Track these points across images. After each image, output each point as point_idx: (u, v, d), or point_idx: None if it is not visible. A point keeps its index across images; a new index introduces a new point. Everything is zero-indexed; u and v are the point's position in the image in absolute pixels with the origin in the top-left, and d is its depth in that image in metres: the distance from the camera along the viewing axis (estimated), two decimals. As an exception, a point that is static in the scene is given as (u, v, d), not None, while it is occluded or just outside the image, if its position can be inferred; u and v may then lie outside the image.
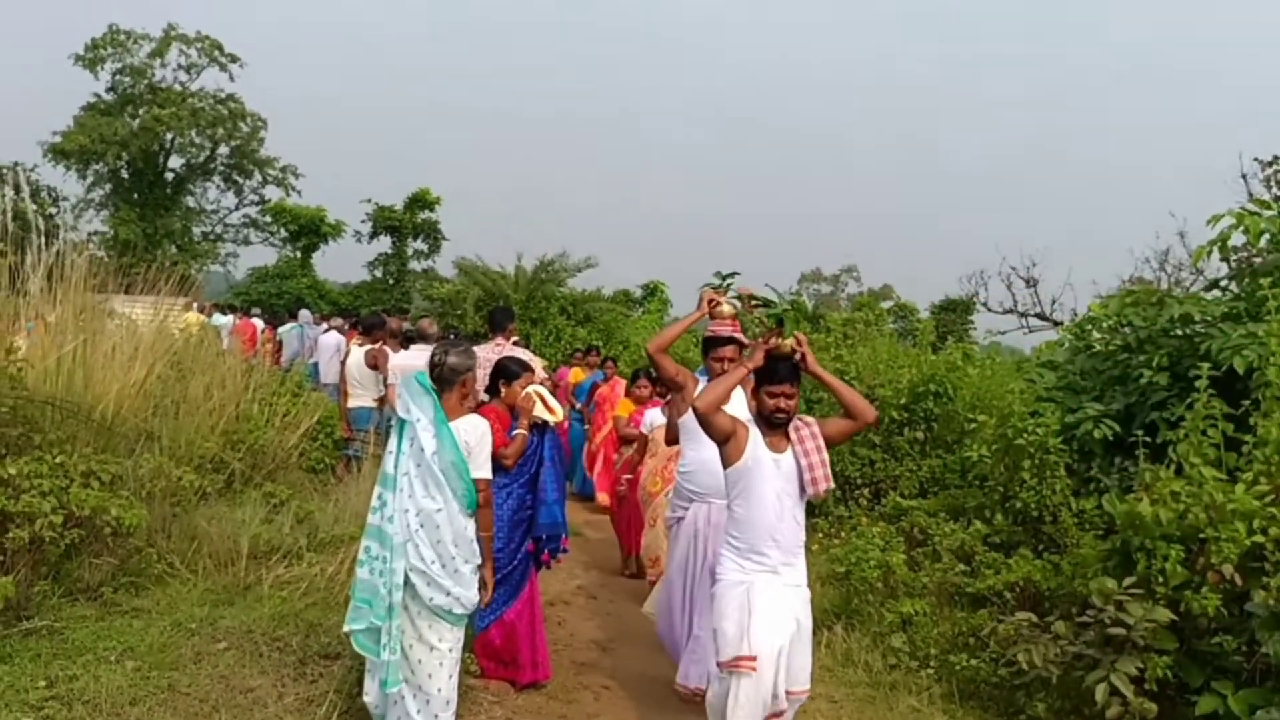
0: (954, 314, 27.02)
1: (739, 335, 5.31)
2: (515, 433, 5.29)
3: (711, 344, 5.37)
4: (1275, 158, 18.59)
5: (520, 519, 5.35)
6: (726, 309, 5.06)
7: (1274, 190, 17.43)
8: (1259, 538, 4.57)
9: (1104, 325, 8.02)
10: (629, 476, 8.11)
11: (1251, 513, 4.64)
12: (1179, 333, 6.96)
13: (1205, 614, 4.55)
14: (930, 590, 6.32)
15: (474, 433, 4.37)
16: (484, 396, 5.57)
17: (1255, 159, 18.66)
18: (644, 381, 8.75)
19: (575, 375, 13.99)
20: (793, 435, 4.24)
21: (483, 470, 4.36)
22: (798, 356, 4.23)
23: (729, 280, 5.57)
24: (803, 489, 4.22)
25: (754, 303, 4.83)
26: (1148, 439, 5.90)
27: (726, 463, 4.25)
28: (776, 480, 4.17)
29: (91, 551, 5.62)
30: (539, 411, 5.37)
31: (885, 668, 5.83)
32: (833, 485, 4.39)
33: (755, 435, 4.22)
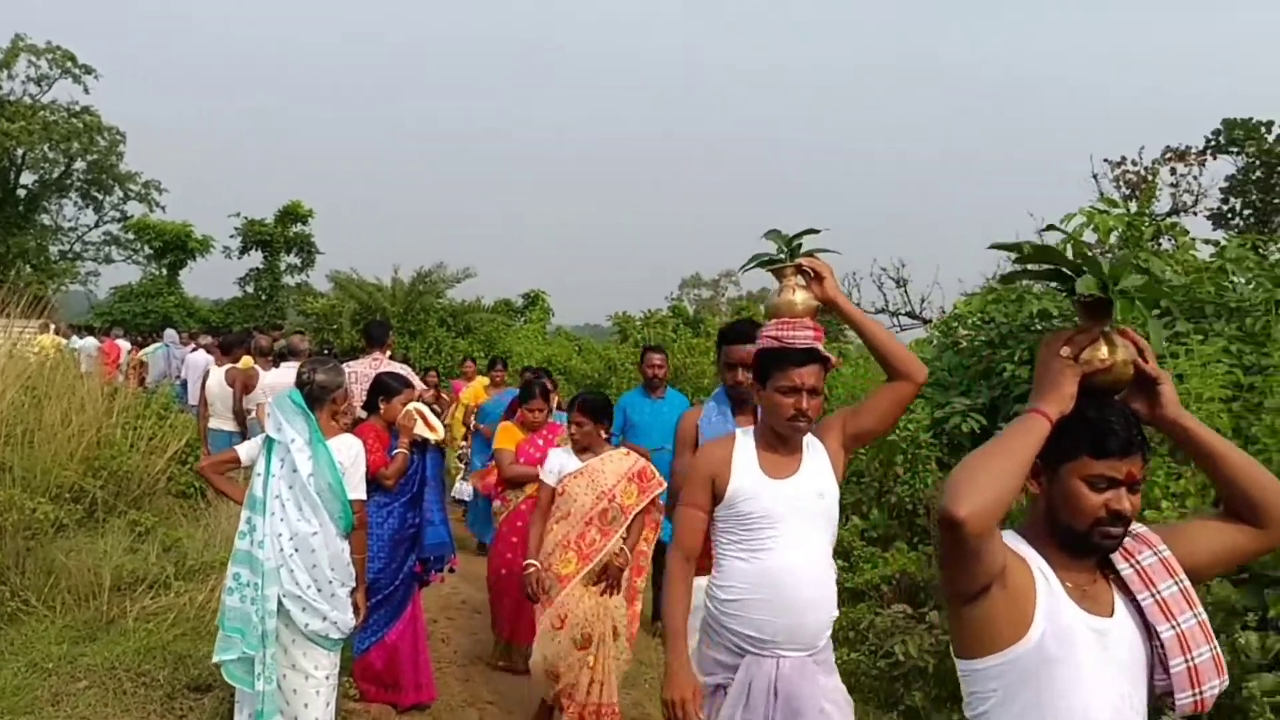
0: (829, 315, 27.61)
1: (820, 345, 3.06)
2: (395, 452, 5.13)
3: (774, 361, 3.04)
4: (1123, 158, 19.64)
5: (402, 538, 5.21)
6: (800, 299, 3.02)
7: (1122, 189, 18.38)
8: (1116, 522, 4.76)
9: (969, 322, 8.31)
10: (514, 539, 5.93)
11: (1107, 498, 4.84)
12: (1038, 327, 7.24)
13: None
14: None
15: (348, 453, 4.25)
16: (362, 413, 5.43)
17: (1105, 159, 19.69)
18: (538, 401, 6.13)
19: (475, 394, 10.93)
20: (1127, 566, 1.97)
21: (357, 491, 4.24)
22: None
23: (798, 242, 3.08)
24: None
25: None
26: (1011, 431, 6.11)
27: (987, 642, 1.91)
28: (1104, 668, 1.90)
29: (-64, 592, 5.30)
30: (419, 430, 5.21)
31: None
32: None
33: (1049, 582, 1.92)
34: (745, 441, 3.11)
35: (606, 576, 4.68)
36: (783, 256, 3.06)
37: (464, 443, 10.64)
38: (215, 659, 4.08)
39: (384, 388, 5.31)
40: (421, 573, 5.37)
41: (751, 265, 3.18)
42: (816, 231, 3.11)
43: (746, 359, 3.48)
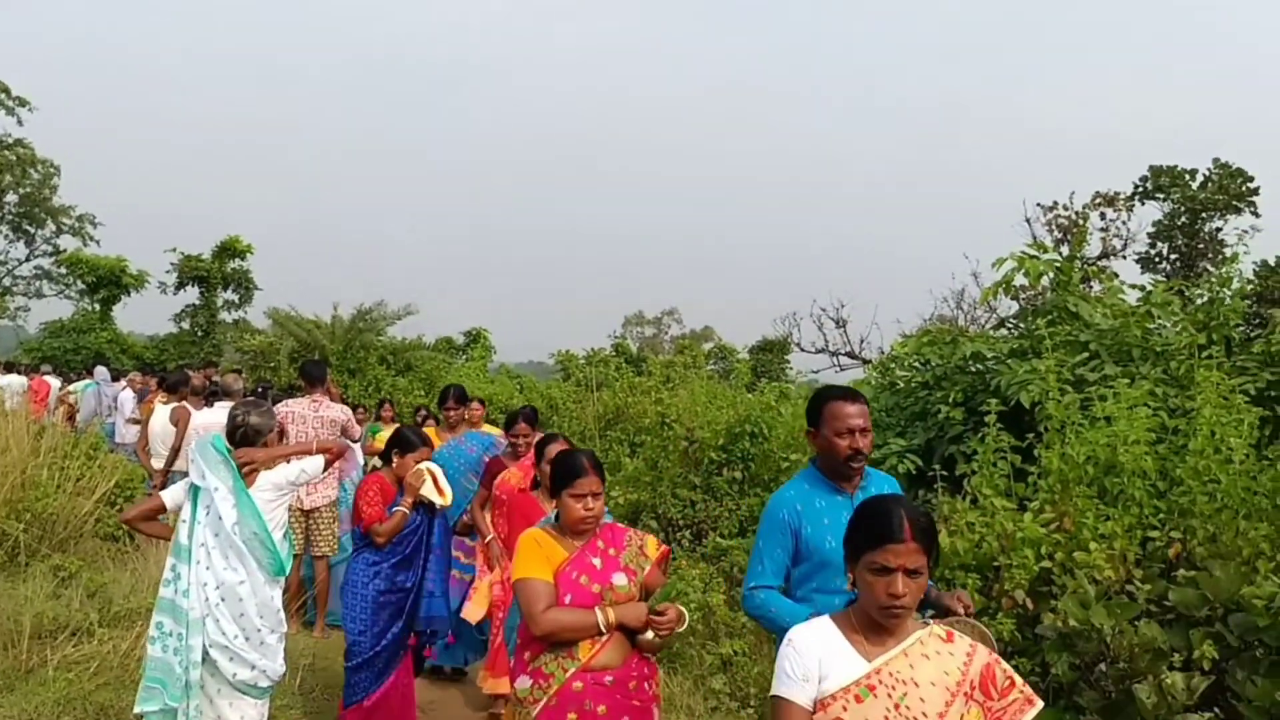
0: (770, 354, 27.93)
1: None
2: (395, 509, 4.90)
3: None
4: (1055, 203, 20.17)
5: (387, 601, 4.91)
6: None
7: (1054, 233, 18.86)
8: (1046, 563, 4.85)
9: (905, 363, 8.42)
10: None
11: (1039, 540, 4.92)
12: (972, 369, 7.37)
13: (1001, 638, 4.78)
14: (750, 629, 6.41)
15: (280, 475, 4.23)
16: (376, 462, 5.36)
17: (1038, 204, 20.21)
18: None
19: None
20: None
21: (278, 530, 4.18)
22: None
23: None
24: None
25: None
26: (945, 472, 6.19)
27: None
28: None
29: None
30: (427, 491, 4.95)
31: (706, 710, 5.86)
32: None
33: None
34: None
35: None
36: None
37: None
38: (136, 710, 3.98)
39: (403, 441, 5.09)
40: (415, 645, 5.10)
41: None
42: None
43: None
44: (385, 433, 10.84)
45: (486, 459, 6.28)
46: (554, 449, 4.73)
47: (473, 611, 5.81)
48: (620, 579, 3.35)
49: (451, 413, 6.80)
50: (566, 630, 3.23)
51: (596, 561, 3.36)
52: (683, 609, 3.39)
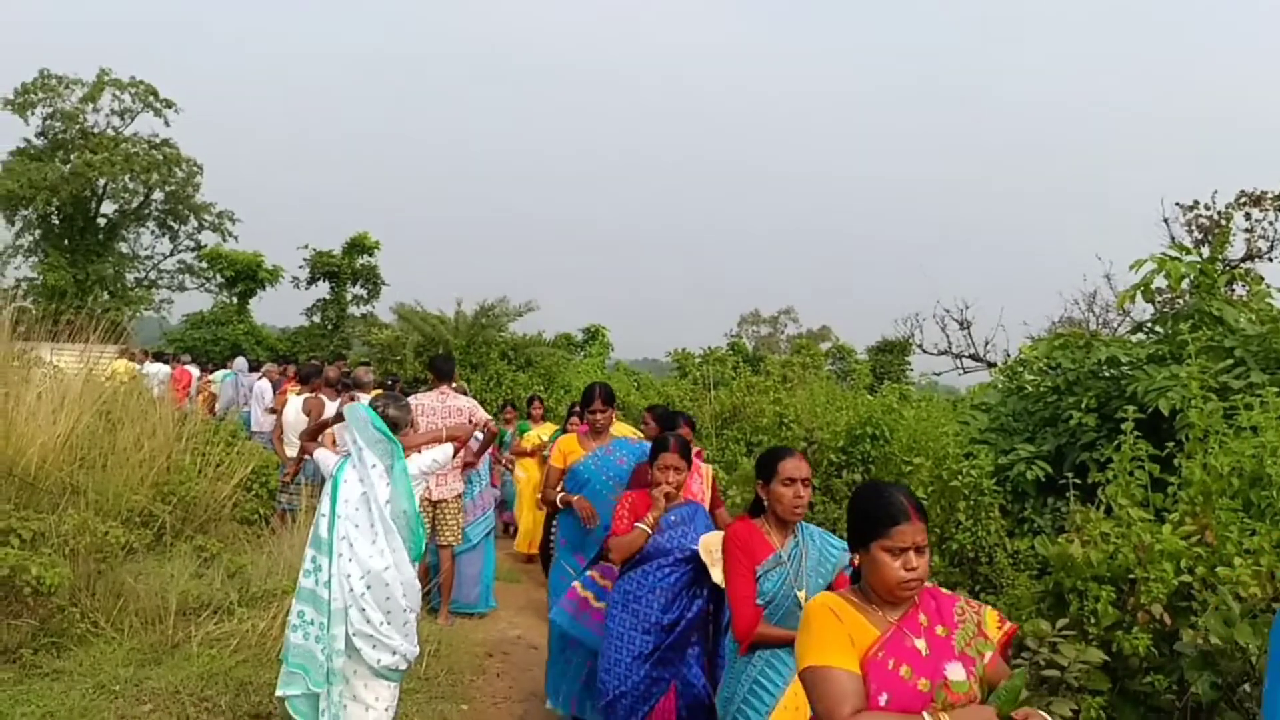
0: (890, 355, 27.47)
1: None
2: (640, 525, 4.46)
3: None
4: (1195, 202, 19.30)
5: (644, 655, 4.39)
6: None
7: (1194, 234, 18.04)
8: (1186, 577, 4.65)
9: (1034, 367, 8.18)
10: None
11: (1178, 553, 4.72)
12: (1106, 374, 7.11)
13: (1136, 654, 4.61)
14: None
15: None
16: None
17: (1177, 203, 19.37)
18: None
19: (537, 440, 10.61)
20: None
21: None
22: None
23: None
24: None
25: None
26: (1078, 480, 6.00)
27: None
28: None
29: (10, 612, 5.44)
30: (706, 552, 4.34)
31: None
32: None
33: None
34: None
35: None
36: None
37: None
38: (279, 693, 4.14)
39: (685, 450, 4.66)
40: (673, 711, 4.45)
41: None
42: None
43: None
44: (535, 432, 10.88)
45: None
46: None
47: None
48: (956, 671, 2.51)
49: (599, 416, 5.90)
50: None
51: (921, 645, 2.53)
52: (1044, 715, 2.50)
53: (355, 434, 4.26)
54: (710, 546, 4.34)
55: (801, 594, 3.54)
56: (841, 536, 8.49)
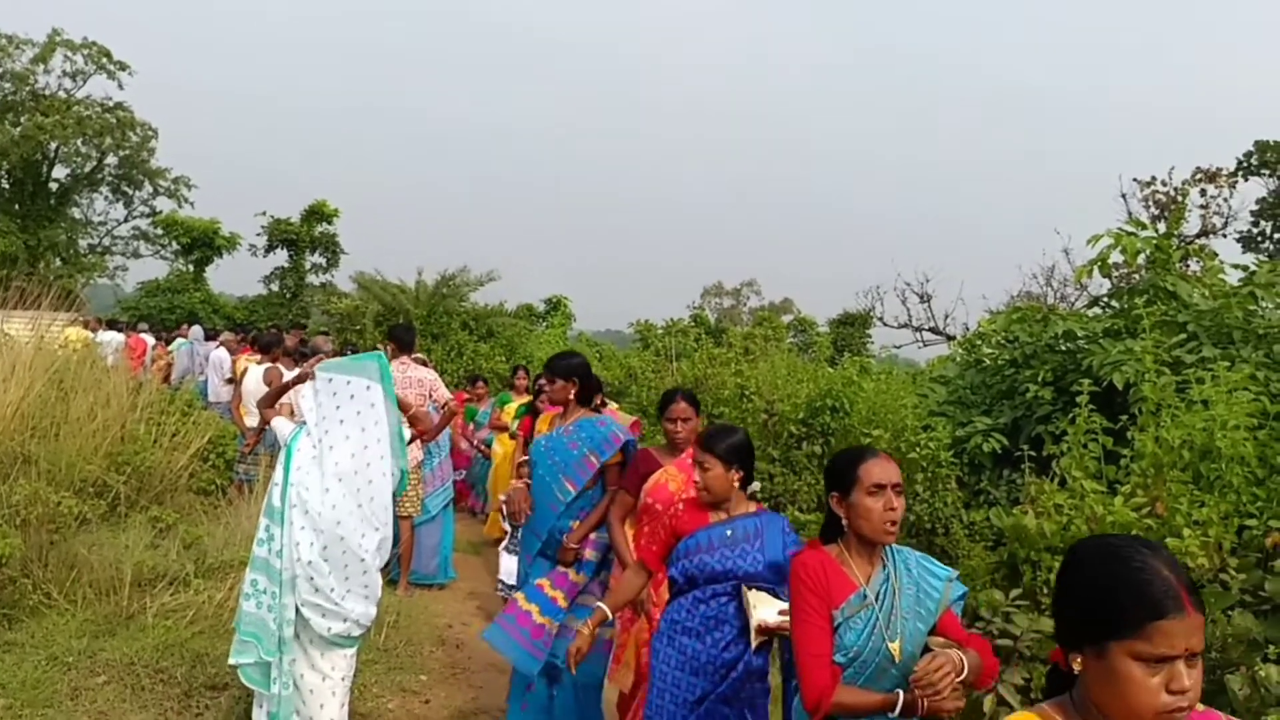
0: (851, 328, 27.65)
1: None
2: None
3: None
4: (1153, 178, 19.53)
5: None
6: None
7: (1151, 209, 18.28)
8: (1136, 548, 4.74)
9: (992, 340, 8.27)
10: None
11: (1129, 524, 4.80)
12: (1063, 348, 7.21)
13: (1087, 623, 4.70)
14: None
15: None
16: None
17: (1134, 179, 19.59)
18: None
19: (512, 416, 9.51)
20: None
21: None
22: None
23: None
24: None
25: None
26: (1033, 452, 6.08)
27: None
28: None
29: (-39, 583, 5.36)
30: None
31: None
32: None
33: None
34: None
35: None
36: None
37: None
38: (231, 661, 4.11)
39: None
40: None
41: None
42: None
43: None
44: (515, 404, 9.95)
45: (593, 460, 4.76)
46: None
47: (622, 678, 4.51)
48: None
49: (549, 387, 5.15)
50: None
51: None
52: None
53: (333, 387, 4.13)
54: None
55: (894, 645, 2.76)
56: (801, 510, 8.46)
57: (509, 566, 6.79)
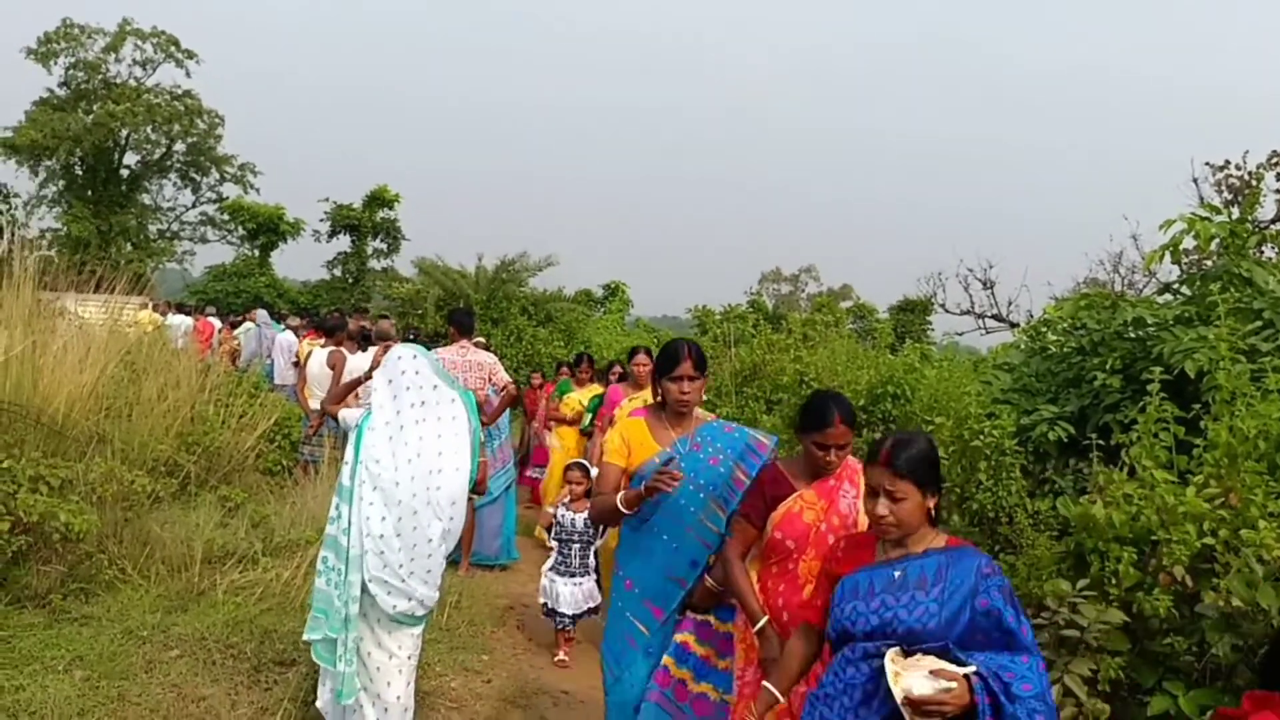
0: (912, 315, 27.34)
1: None
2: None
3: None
4: (1226, 162, 18.96)
5: None
6: None
7: (1224, 194, 17.77)
8: (1209, 540, 4.63)
9: (1058, 327, 8.12)
10: None
11: (1201, 515, 4.70)
12: (1132, 335, 7.04)
13: (1157, 615, 4.60)
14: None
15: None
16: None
17: (1206, 163, 19.02)
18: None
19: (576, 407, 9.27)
20: None
21: None
22: None
23: None
24: None
25: None
26: (1101, 441, 5.96)
27: None
28: None
29: (40, 558, 5.52)
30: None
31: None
32: None
33: None
34: None
35: None
36: None
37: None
38: (305, 637, 4.18)
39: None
40: None
41: None
42: None
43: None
44: (577, 395, 9.47)
45: (741, 477, 3.74)
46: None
47: None
48: None
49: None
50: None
51: None
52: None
53: (418, 380, 4.16)
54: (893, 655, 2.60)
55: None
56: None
57: (562, 591, 6.21)
